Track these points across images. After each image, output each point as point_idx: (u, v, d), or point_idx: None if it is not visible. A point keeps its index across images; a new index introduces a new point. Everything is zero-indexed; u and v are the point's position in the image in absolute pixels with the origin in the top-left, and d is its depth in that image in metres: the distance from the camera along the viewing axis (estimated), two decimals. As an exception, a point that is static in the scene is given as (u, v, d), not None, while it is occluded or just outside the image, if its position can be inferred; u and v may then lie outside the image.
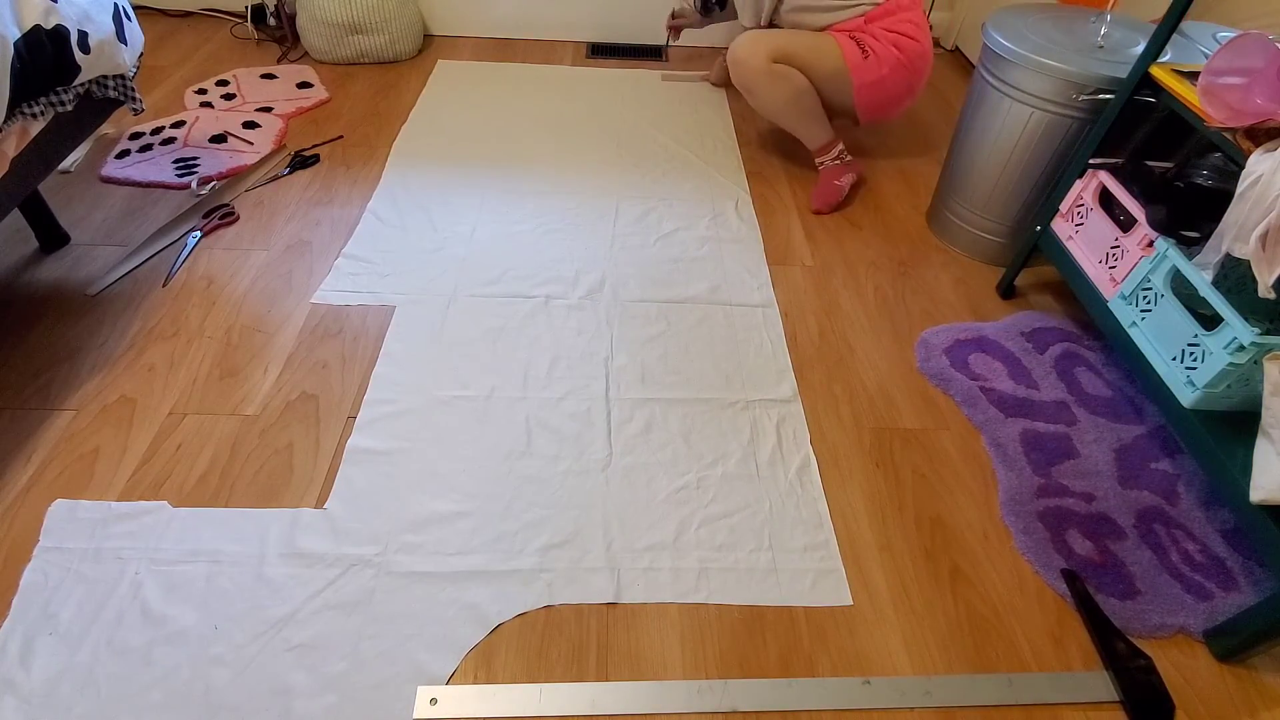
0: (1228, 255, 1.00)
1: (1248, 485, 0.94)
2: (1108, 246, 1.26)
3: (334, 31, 2.21)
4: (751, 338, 1.41)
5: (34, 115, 1.14)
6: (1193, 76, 1.12)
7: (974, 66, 1.83)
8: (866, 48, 1.64)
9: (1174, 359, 1.09)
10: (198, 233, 1.55)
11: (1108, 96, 1.28)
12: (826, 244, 1.68)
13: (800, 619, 0.99)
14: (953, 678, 0.94)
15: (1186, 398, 1.06)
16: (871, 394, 1.33)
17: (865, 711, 0.90)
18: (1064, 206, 1.37)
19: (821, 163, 1.82)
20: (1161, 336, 1.12)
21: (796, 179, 1.90)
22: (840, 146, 1.81)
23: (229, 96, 2.05)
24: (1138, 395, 1.32)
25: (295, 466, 1.13)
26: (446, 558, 1.02)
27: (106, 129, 1.80)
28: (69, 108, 1.20)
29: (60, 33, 1.11)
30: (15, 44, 1.04)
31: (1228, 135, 1.03)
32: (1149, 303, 1.15)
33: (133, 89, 1.34)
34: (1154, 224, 1.16)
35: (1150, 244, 1.17)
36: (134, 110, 1.36)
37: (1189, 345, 1.07)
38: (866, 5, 1.65)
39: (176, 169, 1.73)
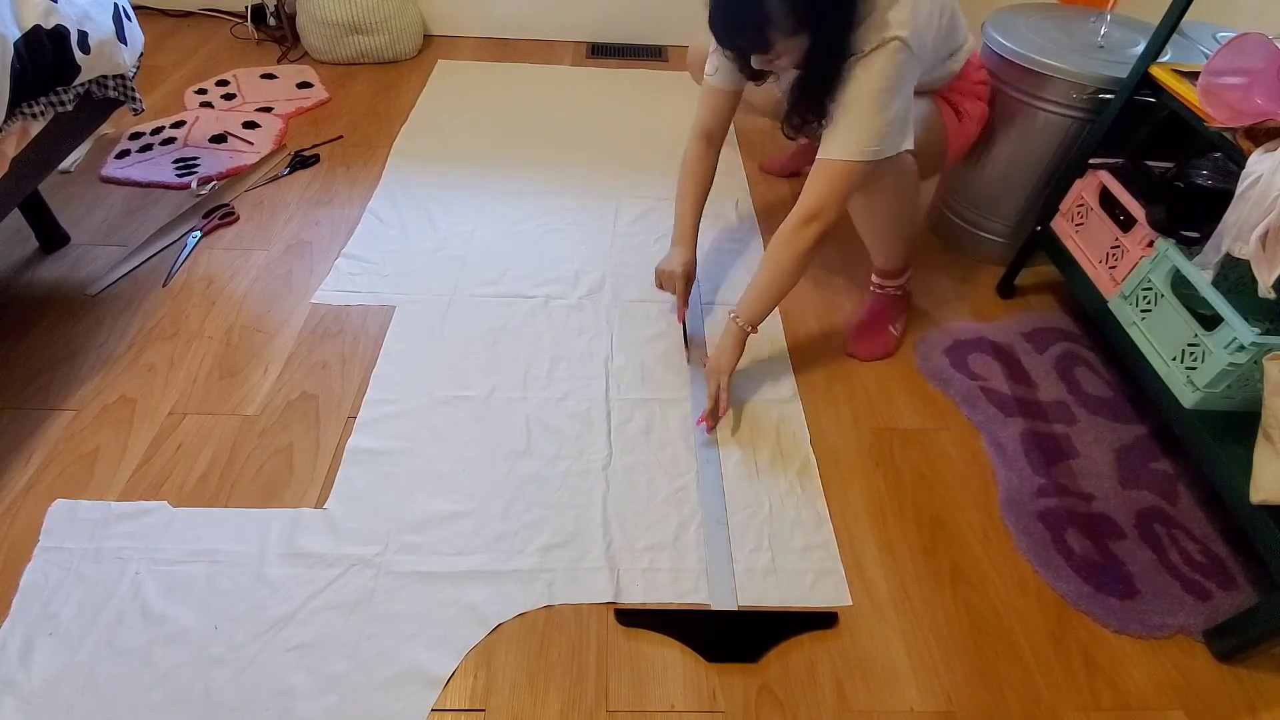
0: (1228, 255, 1.00)
1: (1248, 485, 0.94)
2: (1108, 246, 1.26)
3: (334, 31, 2.21)
4: (751, 338, 1.41)
5: (34, 115, 1.14)
6: (1193, 76, 1.12)
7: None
8: (960, 109, 1.31)
9: (1174, 359, 1.09)
10: (198, 233, 1.55)
11: (1108, 96, 1.28)
12: (826, 245, 1.67)
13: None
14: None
15: (1187, 398, 1.06)
16: (871, 394, 1.33)
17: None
18: (1064, 206, 1.37)
19: (884, 289, 1.40)
20: (1161, 336, 1.12)
21: (797, 179, 1.89)
22: (910, 271, 1.41)
23: (229, 96, 2.05)
24: (1138, 395, 1.32)
25: (295, 466, 1.13)
26: (446, 558, 1.02)
27: (106, 129, 1.79)
28: (69, 108, 1.20)
29: (60, 33, 1.11)
30: (15, 44, 1.04)
31: (1228, 135, 1.03)
32: (1149, 303, 1.15)
33: (133, 89, 1.34)
34: (1154, 224, 1.16)
35: (1150, 244, 1.17)
36: (134, 110, 1.36)
37: (1189, 345, 1.07)
38: (958, 63, 1.28)
39: (176, 169, 1.73)
